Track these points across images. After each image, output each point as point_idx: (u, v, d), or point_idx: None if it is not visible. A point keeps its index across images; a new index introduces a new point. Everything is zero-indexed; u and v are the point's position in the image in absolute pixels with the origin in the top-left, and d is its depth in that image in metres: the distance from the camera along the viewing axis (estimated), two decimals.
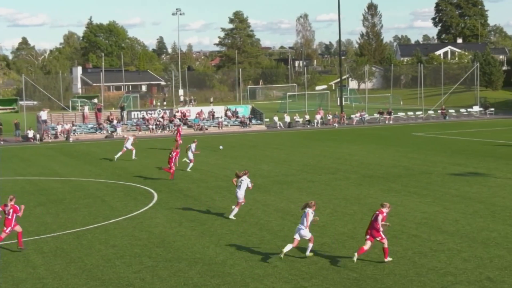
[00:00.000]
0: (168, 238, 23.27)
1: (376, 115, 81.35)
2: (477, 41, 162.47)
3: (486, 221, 24.62)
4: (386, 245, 19.76)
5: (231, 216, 26.08)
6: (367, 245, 19.70)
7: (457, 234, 22.72)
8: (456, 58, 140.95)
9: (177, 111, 74.86)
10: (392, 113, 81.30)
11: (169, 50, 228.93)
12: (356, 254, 19.55)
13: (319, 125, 75.71)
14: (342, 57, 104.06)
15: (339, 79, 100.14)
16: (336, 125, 74.89)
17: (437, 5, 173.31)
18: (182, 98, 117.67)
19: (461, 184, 32.86)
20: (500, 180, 33.94)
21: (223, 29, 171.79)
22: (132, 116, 72.84)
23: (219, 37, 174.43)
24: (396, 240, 22.03)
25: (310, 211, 20.24)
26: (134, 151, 47.01)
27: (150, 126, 70.20)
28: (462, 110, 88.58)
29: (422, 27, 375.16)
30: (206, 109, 77.20)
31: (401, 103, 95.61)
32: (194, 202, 29.88)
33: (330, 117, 77.89)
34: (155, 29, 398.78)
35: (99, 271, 19.56)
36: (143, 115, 72.94)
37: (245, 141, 58.46)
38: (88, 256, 21.17)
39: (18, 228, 21.92)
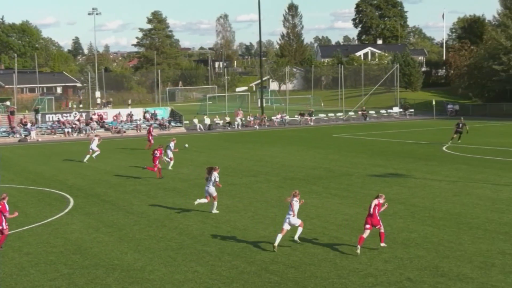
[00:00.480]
0: (85, 245, 22.94)
1: (297, 117, 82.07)
2: (397, 43, 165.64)
3: (406, 222, 25.13)
4: (383, 230, 21.47)
5: (214, 210, 27.38)
6: (366, 233, 21.09)
7: (378, 235, 23.09)
8: (376, 59, 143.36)
9: (94, 114, 73.93)
10: (313, 115, 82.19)
11: (85, 51, 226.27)
12: (358, 246, 20.80)
13: (239, 127, 75.94)
14: (263, 58, 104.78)
15: (259, 80, 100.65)
16: (257, 127, 75.27)
17: (357, 6, 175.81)
18: (99, 100, 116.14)
19: (381, 185, 33.44)
20: (419, 181, 34.71)
21: (141, 30, 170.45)
22: (47, 119, 71.58)
23: (137, 37, 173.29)
24: (317, 242, 22.28)
25: (294, 200, 21.76)
26: (98, 153, 46.79)
27: (66, 129, 69.10)
28: (382, 111, 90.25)
29: (343, 28, 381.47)
30: (124, 112, 76.50)
31: (322, 104, 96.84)
32: (112, 207, 29.56)
33: (250, 118, 78.24)
34: (70, 29, 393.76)
35: (13, 280, 19.14)
36: (58, 118, 71.73)
37: (164, 144, 58.06)
38: (1, 265, 20.69)
39: None
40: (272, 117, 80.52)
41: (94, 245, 22.83)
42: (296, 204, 21.82)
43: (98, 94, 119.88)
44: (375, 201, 21.24)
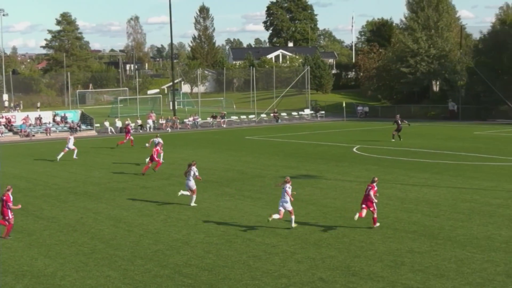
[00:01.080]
0: None
1: (209, 119, 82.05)
2: (308, 45, 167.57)
3: (318, 222, 25.43)
4: (375, 215, 24.33)
5: (193, 203, 29.23)
6: (364, 212, 24.01)
7: (291, 236, 23.33)
8: (288, 62, 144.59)
9: (2, 117, 72.15)
10: (225, 117, 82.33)
11: None
12: (357, 214, 23.89)
13: (151, 129, 75.36)
14: (174, 61, 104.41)
15: (171, 83, 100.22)
16: (169, 130, 74.90)
17: (268, 8, 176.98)
18: (6, 104, 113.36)
19: (294, 187, 33.70)
20: (331, 182, 35.19)
21: (50, 31, 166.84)
22: None
23: (45, 39, 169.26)
24: (230, 245, 22.33)
25: (287, 186, 24.18)
26: (76, 151, 48.45)
27: None
28: (294, 113, 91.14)
29: (254, 31, 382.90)
30: (32, 115, 74.88)
31: (234, 106, 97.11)
32: (21, 212, 28.84)
33: (163, 121, 77.81)
34: None
35: None
36: None
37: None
38: None
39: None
40: (185, 120, 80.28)
41: (2, 251, 22.27)
42: (289, 190, 24.12)
43: (5, 97, 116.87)
44: (371, 185, 24.20)
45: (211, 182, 36.00)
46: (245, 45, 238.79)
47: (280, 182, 25.21)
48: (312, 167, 41.08)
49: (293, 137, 62.87)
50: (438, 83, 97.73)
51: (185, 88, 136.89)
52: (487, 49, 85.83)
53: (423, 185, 33.61)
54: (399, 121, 56.58)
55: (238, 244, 22.43)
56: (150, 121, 76.70)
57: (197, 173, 29.61)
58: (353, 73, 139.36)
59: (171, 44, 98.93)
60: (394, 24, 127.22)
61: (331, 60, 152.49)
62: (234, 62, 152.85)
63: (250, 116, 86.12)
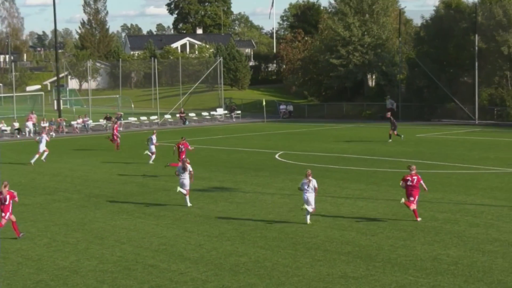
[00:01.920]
0: None
1: (103, 121, 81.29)
2: (220, 32, 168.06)
3: (235, 244, 25.41)
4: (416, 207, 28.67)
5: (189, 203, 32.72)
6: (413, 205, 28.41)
7: (202, 261, 23.25)
8: (196, 52, 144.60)
9: None
10: (122, 118, 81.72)
11: None
12: (418, 218, 28.50)
13: (31, 134, 74.18)
14: (59, 51, 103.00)
15: (55, 78, 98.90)
16: (53, 134, 73.84)
17: None
18: None
19: (204, 202, 33.70)
20: (249, 195, 35.25)
21: None
22: None
23: None
24: (129, 273, 22.10)
25: (313, 181, 28.32)
26: (46, 153, 50.47)
27: None
28: (205, 113, 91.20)
29: (156, 15, 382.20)
30: None
31: (132, 106, 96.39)
32: None
33: (45, 124, 76.72)
34: None
35: None
36: None
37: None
38: None
39: (13, 218, 26.32)
40: (72, 122, 79.33)
41: None
42: (315, 183, 28.37)
43: None
44: (415, 175, 28.49)
45: (105, 197, 35.64)
46: (145, 32, 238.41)
47: (304, 178, 28.45)
48: (226, 178, 41.10)
49: (204, 142, 62.85)
50: (374, 77, 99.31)
51: (73, 84, 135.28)
52: (430, 37, 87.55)
53: (358, 198, 33.99)
54: (391, 118, 59.62)
55: (139, 272, 22.23)
56: (29, 124, 75.46)
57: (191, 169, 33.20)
58: (275, 65, 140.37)
59: (55, 30, 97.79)
60: (322, 8, 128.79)
61: (248, 50, 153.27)
62: (132, 53, 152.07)
63: (152, 117, 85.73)
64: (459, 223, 28.15)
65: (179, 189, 32.71)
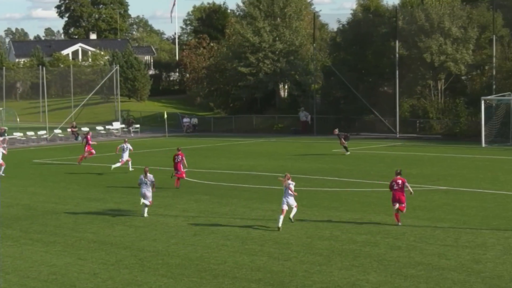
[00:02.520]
0: None
1: None
2: (116, 37, 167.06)
3: (133, 273, 25.26)
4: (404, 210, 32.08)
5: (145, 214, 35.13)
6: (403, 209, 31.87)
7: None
8: (90, 60, 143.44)
9: None
10: (6, 133, 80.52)
11: None
12: (398, 223, 31.73)
13: None
14: None
15: None
16: None
17: None
18: None
19: (99, 226, 33.42)
20: (149, 218, 35.06)
21: None
22: None
23: None
24: None
25: (291, 183, 31.79)
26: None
27: None
28: (99, 127, 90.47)
29: (44, 18, 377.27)
30: None
31: (18, 120, 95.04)
32: None
33: None
34: None
35: None
36: None
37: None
38: None
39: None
40: None
41: None
42: (292, 186, 31.66)
43: None
44: (400, 179, 31.85)
45: None
46: (31, 37, 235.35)
47: (283, 178, 32.20)
48: (123, 199, 40.85)
49: (99, 159, 62.32)
50: (286, 87, 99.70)
51: None
52: (347, 43, 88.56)
53: (269, 219, 34.06)
54: (339, 135, 61.56)
55: None
56: None
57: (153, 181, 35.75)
58: (177, 74, 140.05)
59: None
60: (229, 11, 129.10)
61: (147, 57, 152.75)
62: (17, 60, 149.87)
63: (40, 133, 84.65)
64: (379, 245, 28.47)
65: (142, 200, 35.10)
